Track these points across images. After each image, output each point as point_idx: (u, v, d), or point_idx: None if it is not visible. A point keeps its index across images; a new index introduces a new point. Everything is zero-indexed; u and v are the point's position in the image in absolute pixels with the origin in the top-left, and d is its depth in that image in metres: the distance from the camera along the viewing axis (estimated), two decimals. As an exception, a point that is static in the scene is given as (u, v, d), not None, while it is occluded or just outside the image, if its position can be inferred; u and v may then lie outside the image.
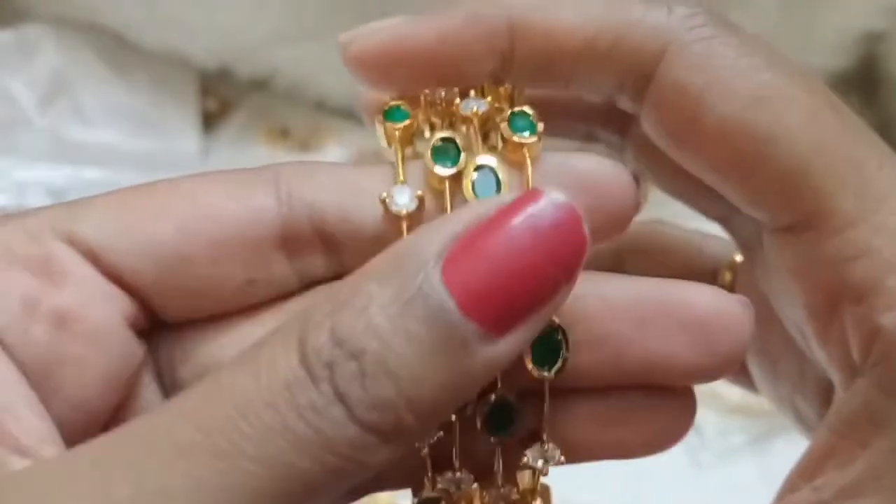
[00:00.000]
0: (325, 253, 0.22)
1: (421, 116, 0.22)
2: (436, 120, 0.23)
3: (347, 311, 0.18)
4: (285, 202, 0.21)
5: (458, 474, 0.21)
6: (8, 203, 0.58)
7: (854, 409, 0.21)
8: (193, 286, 0.21)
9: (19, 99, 0.61)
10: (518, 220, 0.19)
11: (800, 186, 0.21)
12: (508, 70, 0.23)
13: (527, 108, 0.22)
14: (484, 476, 0.21)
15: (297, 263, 0.22)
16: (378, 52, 0.22)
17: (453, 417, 0.21)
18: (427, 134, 0.22)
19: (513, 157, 0.21)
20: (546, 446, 0.21)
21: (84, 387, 0.21)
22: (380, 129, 0.22)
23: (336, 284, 0.19)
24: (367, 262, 0.20)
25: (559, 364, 0.21)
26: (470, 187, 0.21)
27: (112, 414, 0.21)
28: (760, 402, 0.32)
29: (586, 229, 0.19)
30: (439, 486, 0.21)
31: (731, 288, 0.28)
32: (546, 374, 0.21)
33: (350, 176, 0.22)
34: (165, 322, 0.22)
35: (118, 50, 0.64)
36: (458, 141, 0.21)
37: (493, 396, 0.21)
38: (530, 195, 0.19)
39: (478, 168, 0.21)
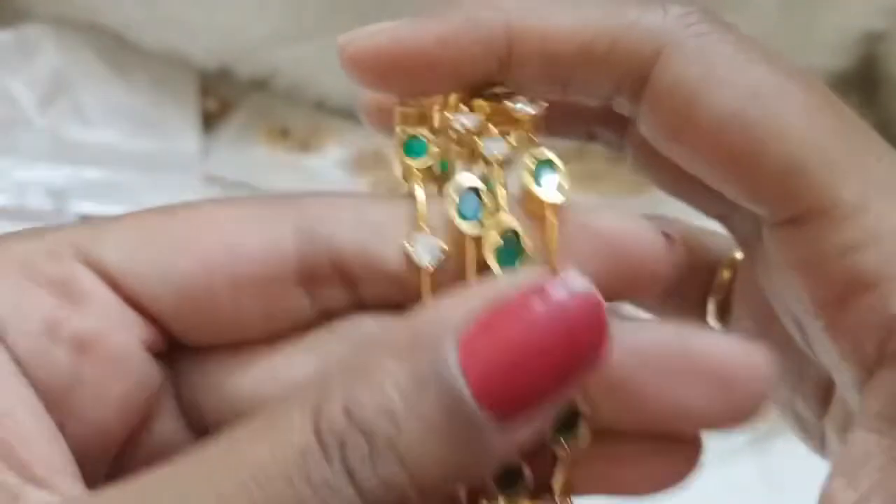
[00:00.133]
0: (344, 288, 0.21)
1: (438, 147, 0.22)
2: (454, 146, 0.22)
3: (362, 386, 0.18)
4: (306, 240, 0.21)
5: None
6: (8, 203, 0.58)
7: (887, 402, 0.21)
8: (212, 318, 0.21)
9: (19, 99, 0.61)
10: (539, 307, 0.18)
11: (800, 178, 0.21)
12: (506, 74, 0.22)
13: (552, 156, 0.21)
14: None
15: (316, 298, 0.22)
16: (375, 54, 0.22)
17: None
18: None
19: (534, 208, 0.21)
20: None
21: (102, 411, 0.21)
22: (397, 164, 0.22)
23: (354, 354, 0.19)
24: (386, 298, 0.21)
25: (576, 437, 0.20)
26: (493, 254, 0.21)
27: (129, 436, 0.21)
28: (760, 402, 0.32)
29: (608, 320, 0.19)
30: None
31: (729, 286, 0.28)
32: (563, 445, 0.20)
33: (372, 214, 0.21)
34: (185, 344, 0.22)
35: (118, 50, 0.64)
36: (480, 189, 0.21)
37: None
38: (553, 279, 0.19)
39: (501, 233, 0.21)
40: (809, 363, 0.25)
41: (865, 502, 0.20)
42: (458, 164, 0.22)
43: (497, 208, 0.21)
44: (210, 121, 0.65)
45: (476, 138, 0.22)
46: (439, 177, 0.22)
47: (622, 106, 0.23)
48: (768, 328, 0.26)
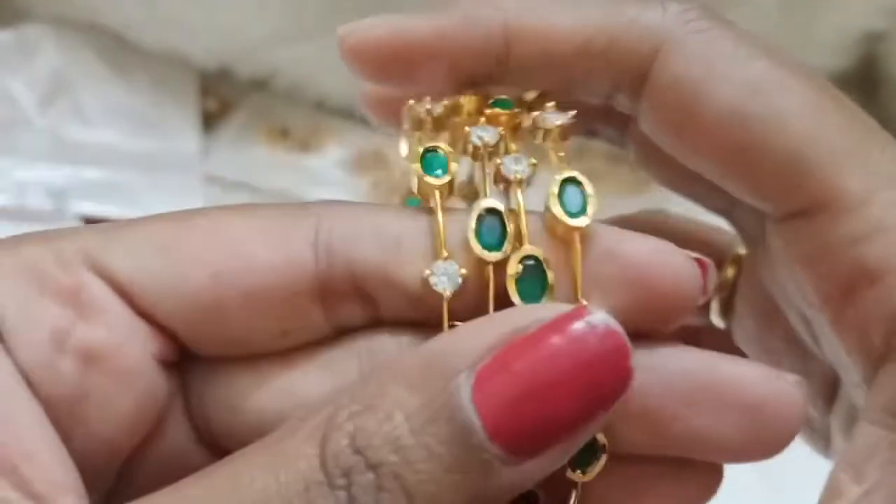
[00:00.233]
0: (362, 305, 0.21)
1: (456, 162, 0.21)
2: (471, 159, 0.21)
3: (371, 415, 0.17)
4: (324, 258, 0.21)
5: None
6: (8, 203, 0.58)
7: (894, 395, 0.20)
8: (225, 332, 0.21)
9: (19, 99, 0.61)
10: (558, 343, 0.18)
11: (803, 171, 0.21)
12: (504, 72, 0.22)
13: (578, 174, 0.21)
14: None
15: (333, 315, 0.21)
16: (375, 45, 0.22)
17: None
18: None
19: (559, 231, 0.20)
20: None
21: (109, 423, 0.20)
22: (413, 179, 0.21)
23: (364, 379, 0.19)
24: (405, 316, 0.20)
25: (594, 465, 0.20)
26: (514, 286, 0.20)
27: (137, 448, 0.21)
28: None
29: (632, 360, 0.18)
30: None
31: (734, 283, 0.28)
32: (580, 476, 0.20)
33: (391, 230, 0.21)
34: (196, 354, 0.21)
35: (118, 50, 0.64)
36: (503, 213, 0.20)
37: None
38: (575, 314, 0.18)
39: (523, 260, 0.20)
40: (814, 360, 0.25)
41: (870, 496, 0.20)
42: (480, 182, 0.21)
43: (518, 232, 0.20)
44: (210, 121, 0.65)
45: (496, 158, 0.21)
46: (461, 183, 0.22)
47: (622, 104, 0.23)
48: (772, 325, 0.26)
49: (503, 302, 0.20)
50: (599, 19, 0.22)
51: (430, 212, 0.21)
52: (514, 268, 0.20)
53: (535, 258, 0.20)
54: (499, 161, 0.21)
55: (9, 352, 0.19)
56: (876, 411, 0.21)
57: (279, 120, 0.65)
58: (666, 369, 0.20)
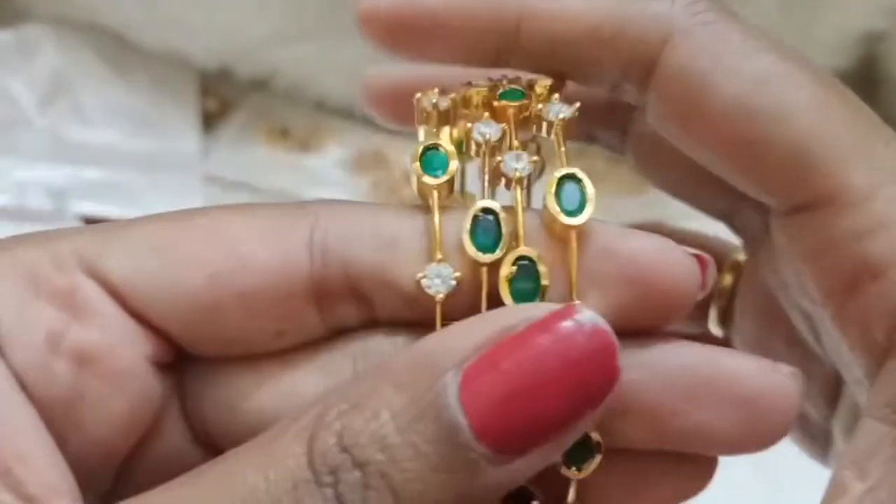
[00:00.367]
0: (357, 306, 0.21)
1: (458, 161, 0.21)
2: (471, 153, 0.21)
3: (358, 414, 0.18)
4: (319, 258, 0.20)
5: None
6: (8, 203, 0.58)
7: None
8: (220, 333, 0.21)
9: (19, 99, 0.61)
10: (546, 342, 0.18)
11: (808, 164, 0.21)
12: (513, 51, 0.23)
13: (577, 171, 0.20)
14: None
15: (329, 316, 0.21)
16: (388, 13, 0.22)
17: None
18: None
19: (556, 229, 0.20)
20: None
21: (104, 425, 0.20)
22: (413, 179, 0.21)
23: (355, 378, 0.19)
24: (400, 316, 0.20)
25: (590, 465, 0.20)
26: (507, 288, 0.20)
27: (133, 449, 0.21)
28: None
29: (619, 359, 0.18)
30: None
31: (731, 292, 0.28)
32: (575, 474, 0.20)
33: (387, 229, 0.21)
34: (192, 354, 0.21)
35: (118, 50, 0.64)
36: (499, 213, 0.20)
37: None
38: (563, 313, 0.18)
39: (517, 261, 0.20)
40: (816, 362, 0.25)
41: (875, 493, 0.20)
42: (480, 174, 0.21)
43: (514, 231, 0.20)
44: (210, 121, 0.65)
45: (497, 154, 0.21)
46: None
47: (630, 94, 0.23)
48: (773, 329, 0.26)
49: (498, 303, 0.20)
50: (609, 6, 0.22)
51: (429, 210, 0.20)
52: (507, 269, 0.20)
53: (529, 259, 0.20)
54: (499, 158, 0.21)
55: (3, 354, 0.19)
56: (879, 407, 0.21)
57: (279, 120, 0.65)
58: (664, 365, 0.20)
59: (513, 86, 0.22)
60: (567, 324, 0.18)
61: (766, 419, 0.20)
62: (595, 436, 0.20)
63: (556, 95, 0.22)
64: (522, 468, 0.18)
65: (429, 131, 0.22)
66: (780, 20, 0.60)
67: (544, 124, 0.21)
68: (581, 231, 0.20)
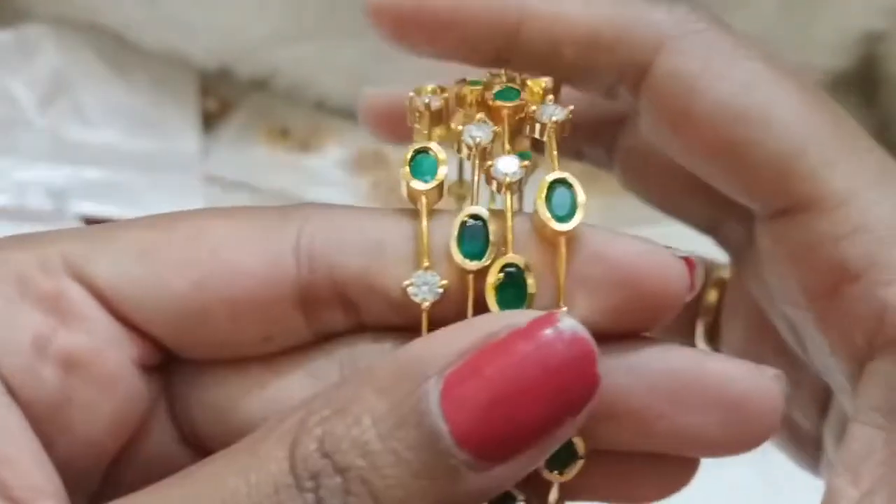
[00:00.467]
0: (344, 311, 0.21)
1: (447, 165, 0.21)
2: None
3: (339, 420, 0.18)
4: (305, 264, 0.20)
5: None
6: (8, 203, 0.58)
7: (883, 394, 0.21)
8: (207, 338, 0.21)
9: (19, 99, 0.61)
10: (528, 350, 0.18)
11: (792, 168, 0.21)
12: (512, 52, 0.23)
13: (568, 176, 0.20)
14: None
15: (315, 321, 0.21)
16: (396, 6, 0.23)
17: None
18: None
19: (546, 234, 0.20)
20: None
21: (91, 428, 0.20)
22: (403, 184, 0.21)
23: (339, 383, 0.19)
24: (387, 321, 0.20)
25: (572, 469, 0.20)
26: (493, 296, 0.20)
27: (120, 451, 0.21)
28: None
29: (599, 368, 0.18)
30: None
31: (717, 308, 0.28)
32: (557, 478, 0.20)
33: (374, 234, 0.21)
34: (180, 357, 0.21)
35: (118, 50, 0.64)
36: (487, 220, 0.20)
37: None
38: (545, 321, 0.18)
39: (504, 268, 0.20)
40: (805, 372, 0.25)
41: (870, 498, 0.20)
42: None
43: (503, 237, 0.20)
44: (210, 121, 0.65)
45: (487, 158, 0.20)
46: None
47: (624, 98, 0.23)
48: (760, 342, 0.26)
49: (485, 311, 0.20)
50: (608, 12, 0.23)
51: (417, 215, 0.20)
52: (493, 277, 0.20)
53: (517, 266, 0.20)
54: (489, 163, 0.21)
55: None
56: (865, 411, 0.21)
57: (279, 120, 0.65)
58: (650, 368, 0.20)
59: (509, 84, 0.22)
60: (548, 331, 0.18)
61: (751, 421, 0.20)
62: (578, 442, 0.20)
63: (551, 97, 0.22)
64: (504, 475, 0.18)
65: (419, 132, 0.22)
66: (780, 20, 0.60)
67: (537, 126, 0.21)
68: (571, 236, 0.20)
